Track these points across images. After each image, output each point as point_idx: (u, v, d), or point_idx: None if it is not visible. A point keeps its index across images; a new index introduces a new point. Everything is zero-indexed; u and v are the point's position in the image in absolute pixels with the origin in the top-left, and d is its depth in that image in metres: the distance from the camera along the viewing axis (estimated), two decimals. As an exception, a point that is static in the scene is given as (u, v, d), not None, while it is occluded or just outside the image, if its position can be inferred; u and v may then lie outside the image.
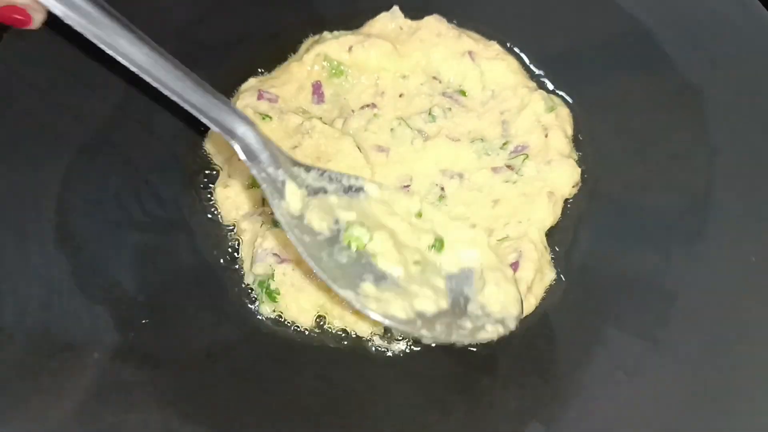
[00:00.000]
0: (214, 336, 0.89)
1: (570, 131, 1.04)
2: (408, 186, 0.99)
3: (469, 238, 0.89)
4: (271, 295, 0.91)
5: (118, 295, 0.88)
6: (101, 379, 0.82)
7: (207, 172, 1.00)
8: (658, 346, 0.87)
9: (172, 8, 1.07)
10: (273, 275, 0.91)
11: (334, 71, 1.06)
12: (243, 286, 0.94)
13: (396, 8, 1.10)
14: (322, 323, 0.92)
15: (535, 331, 0.92)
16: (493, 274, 0.87)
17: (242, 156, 0.83)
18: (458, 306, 0.85)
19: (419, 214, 0.90)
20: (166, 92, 0.81)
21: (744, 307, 0.87)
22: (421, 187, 0.99)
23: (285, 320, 0.91)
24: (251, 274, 0.93)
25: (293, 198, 0.84)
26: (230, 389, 0.86)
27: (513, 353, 0.90)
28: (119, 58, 0.80)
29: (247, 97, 1.02)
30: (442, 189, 0.99)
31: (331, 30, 1.10)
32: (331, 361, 0.90)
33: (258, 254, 0.92)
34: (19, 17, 0.81)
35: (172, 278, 0.92)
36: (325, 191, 0.87)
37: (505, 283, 0.86)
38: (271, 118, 1.00)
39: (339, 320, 0.91)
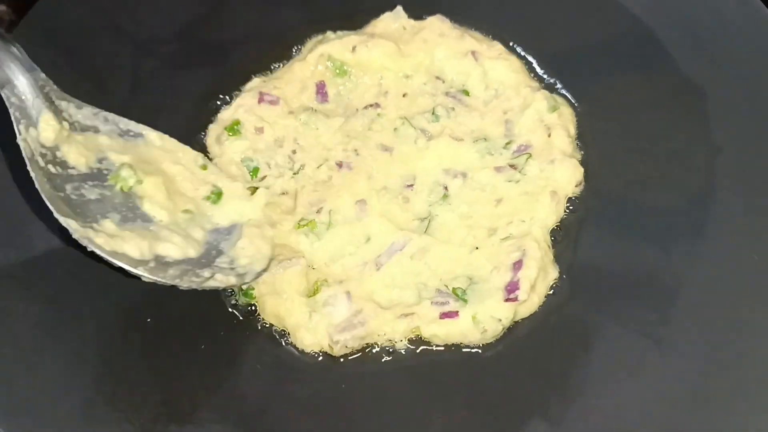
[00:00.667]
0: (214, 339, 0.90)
1: (573, 130, 1.04)
2: (411, 185, 1.00)
3: (246, 194, 0.95)
4: (247, 293, 0.93)
5: (120, 293, 0.89)
6: (106, 376, 0.83)
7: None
8: (660, 344, 0.87)
9: (175, 8, 1.07)
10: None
11: (337, 71, 1.06)
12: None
13: (399, 8, 1.10)
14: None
15: (537, 329, 0.92)
16: (252, 230, 0.92)
17: None
18: (208, 257, 0.89)
19: (204, 167, 0.95)
20: None
21: (745, 305, 0.87)
22: (425, 186, 1.00)
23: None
24: None
25: (46, 129, 0.84)
26: (233, 388, 0.87)
27: (516, 351, 0.90)
28: None
29: (248, 98, 1.03)
30: (446, 188, 0.99)
31: (334, 30, 1.10)
32: (334, 361, 0.90)
33: None
34: None
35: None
36: (97, 130, 0.89)
37: (259, 240, 0.91)
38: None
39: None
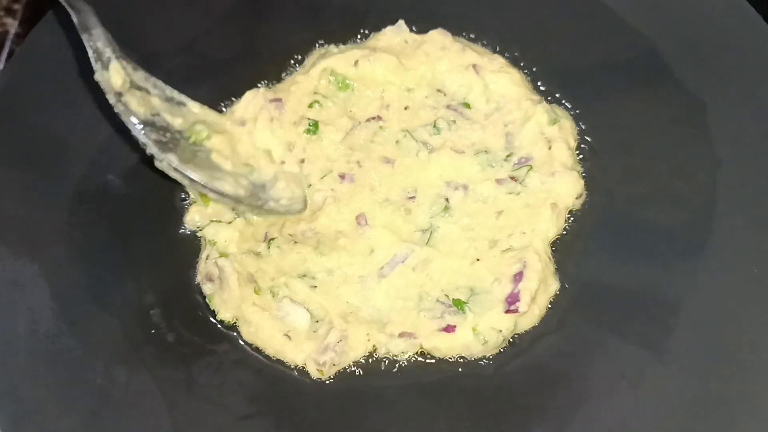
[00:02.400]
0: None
1: (573, 143, 1.04)
2: (413, 197, 1.01)
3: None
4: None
5: (127, 306, 0.89)
6: (110, 388, 0.83)
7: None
8: (662, 356, 0.87)
9: (180, 22, 1.08)
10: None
11: (340, 85, 1.07)
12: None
13: (401, 22, 1.10)
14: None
15: (539, 341, 0.92)
16: (288, 175, 1.02)
17: (76, 24, 0.92)
18: (255, 197, 0.99)
19: None
20: None
21: (746, 317, 0.87)
22: (426, 198, 1.00)
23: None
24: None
25: (115, 75, 0.93)
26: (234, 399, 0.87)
27: (518, 362, 0.91)
28: None
29: (259, 96, 1.04)
30: (447, 200, 1.00)
31: (336, 43, 1.11)
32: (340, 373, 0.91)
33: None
34: None
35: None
36: (148, 92, 0.96)
37: (294, 185, 1.01)
38: None
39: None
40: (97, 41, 0.93)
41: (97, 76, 0.92)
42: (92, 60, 0.92)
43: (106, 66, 0.93)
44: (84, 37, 0.92)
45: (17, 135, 0.94)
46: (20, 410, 0.79)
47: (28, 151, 0.94)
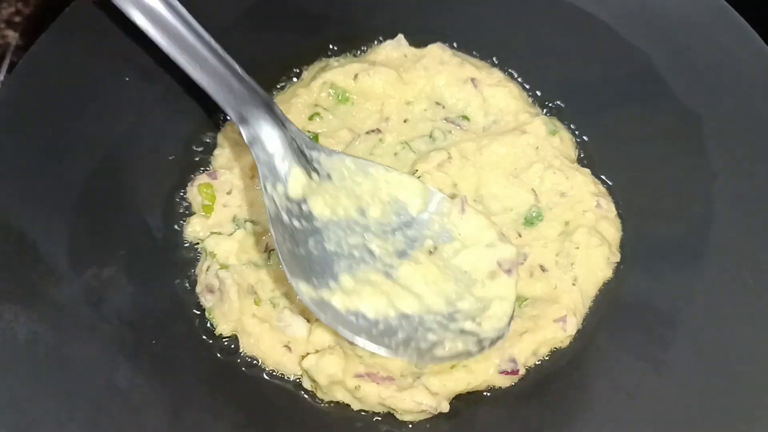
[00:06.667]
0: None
1: (573, 155, 1.06)
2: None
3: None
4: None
5: (127, 316, 0.90)
6: (110, 398, 0.83)
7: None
8: (659, 368, 0.88)
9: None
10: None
11: (340, 98, 1.08)
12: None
13: (401, 36, 1.12)
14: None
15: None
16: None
17: (246, 138, 0.86)
18: (450, 316, 0.85)
19: None
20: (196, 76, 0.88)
21: (742, 329, 0.88)
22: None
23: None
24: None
25: (295, 183, 0.86)
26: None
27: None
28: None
29: None
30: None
31: (336, 56, 1.12)
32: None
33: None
34: None
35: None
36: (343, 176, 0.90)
37: (508, 307, 0.87)
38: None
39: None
40: (271, 151, 0.84)
41: (266, 198, 0.85)
42: (261, 179, 0.86)
43: (282, 178, 0.85)
44: (252, 152, 0.85)
45: (18, 147, 0.94)
46: (21, 421, 0.79)
47: (28, 163, 0.95)
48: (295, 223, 0.85)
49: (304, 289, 0.82)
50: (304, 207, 0.86)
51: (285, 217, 0.85)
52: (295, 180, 0.86)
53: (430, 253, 0.89)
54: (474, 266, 0.88)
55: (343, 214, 0.88)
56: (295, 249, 0.84)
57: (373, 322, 0.83)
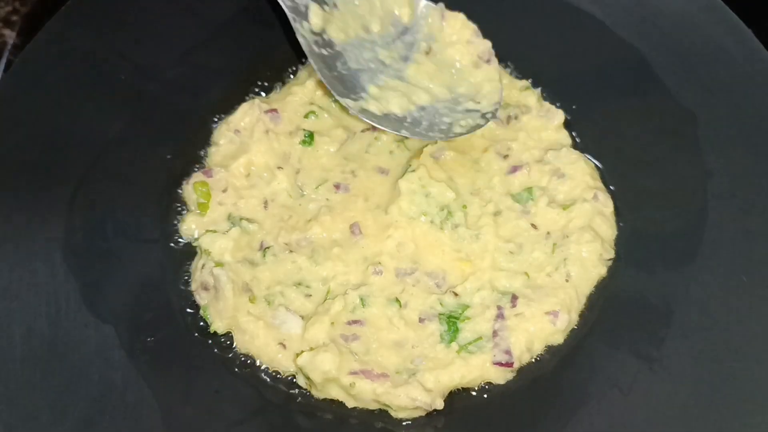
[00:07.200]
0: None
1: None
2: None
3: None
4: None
5: (122, 313, 0.90)
6: (105, 395, 0.84)
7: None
8: (653, 364, 0.88)
9: (176, 33, 1.08)
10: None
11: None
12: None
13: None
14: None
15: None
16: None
17: None
18: (455, 101, 1.03)
19: None
20: None
21: (736, 326, 0.88)
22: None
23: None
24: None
25: (314, 17, 1.02)
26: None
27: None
28: None
29: (254, 106, 1.05)
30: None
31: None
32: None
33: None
34: None
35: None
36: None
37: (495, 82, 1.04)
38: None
39: None
40: None
41: (299, 37, 1.00)
42: (291, 21, 1.00)
43: (304, 15, 1.00)
44: (280, 1, 1.00)
45: (14, 145, 0.95)
46: (15, 417, 0.79)
47: (24, 162, 0.95)
48: (324, 51, 1.02)
49: (351, 104, 1.01)
50: (325, 36, 1.02)
51: (315, 49, 1.01)
52: (314, 14, 1.02)
53: (426, 53, 1.06)
54: (460, 60, 1.06)
55: (353, 34, 1.04)
56: (331, 73, 1.01)
57: (402, 117, 1.01)
